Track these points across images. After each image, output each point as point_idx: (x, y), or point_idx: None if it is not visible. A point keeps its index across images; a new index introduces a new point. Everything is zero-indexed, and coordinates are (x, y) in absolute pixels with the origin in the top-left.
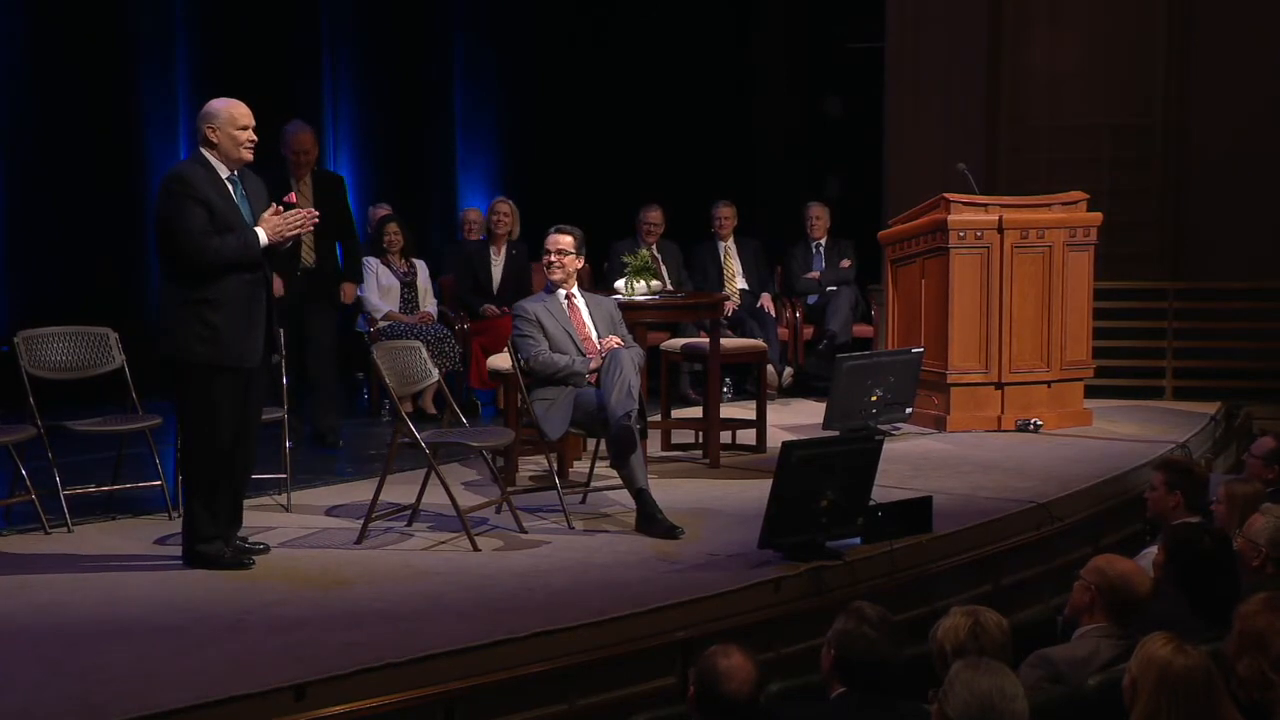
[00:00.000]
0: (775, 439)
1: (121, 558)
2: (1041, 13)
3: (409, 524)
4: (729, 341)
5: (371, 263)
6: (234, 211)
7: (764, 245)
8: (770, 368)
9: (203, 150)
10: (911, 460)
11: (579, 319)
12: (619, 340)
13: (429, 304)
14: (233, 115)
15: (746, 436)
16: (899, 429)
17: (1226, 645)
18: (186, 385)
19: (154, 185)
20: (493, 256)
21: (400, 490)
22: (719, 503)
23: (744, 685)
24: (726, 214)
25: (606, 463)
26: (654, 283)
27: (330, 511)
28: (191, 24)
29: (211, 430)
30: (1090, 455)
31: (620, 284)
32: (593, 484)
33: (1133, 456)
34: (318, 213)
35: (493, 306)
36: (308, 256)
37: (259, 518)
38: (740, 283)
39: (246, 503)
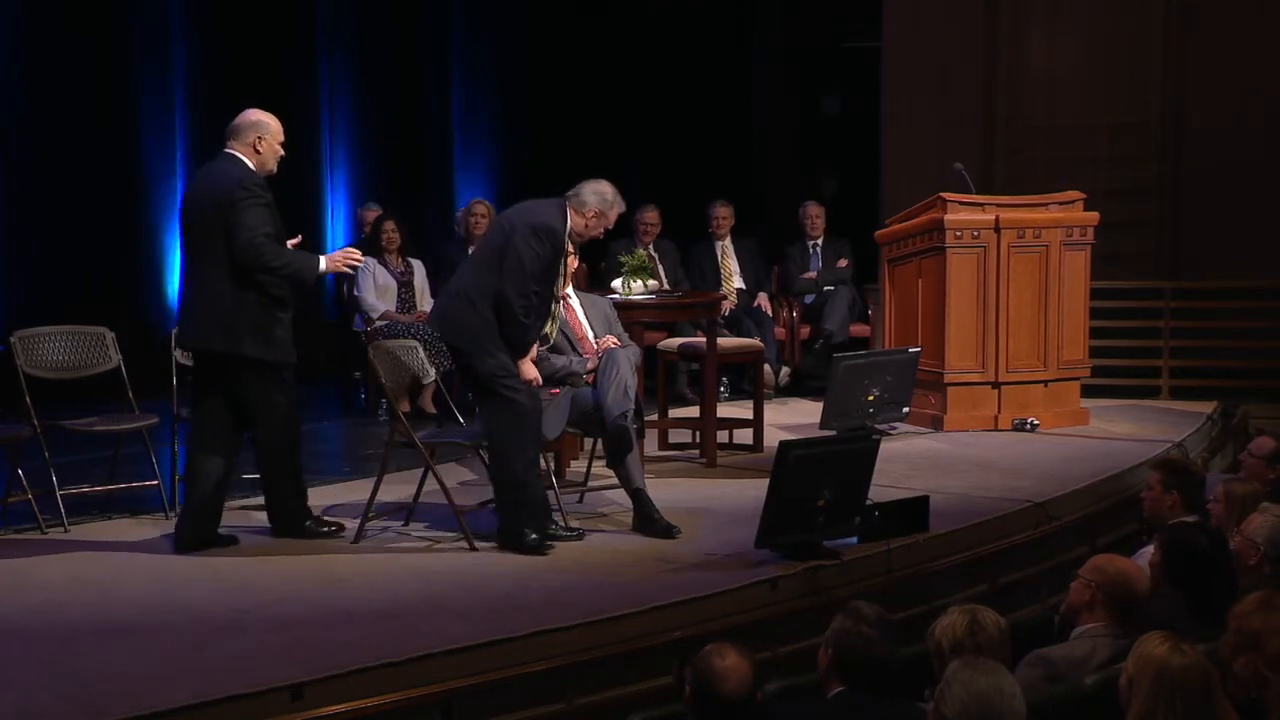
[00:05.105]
0: (772, 438)
1: (118, 558)
2: (1039, 12)
3: (406, 523)
4: (726, 341)
5: (369, 262)
6: None
7: (761, 245)
8: (767, 367)
9: (241, 156)
10: (908, 459)
11: (575, 319)
12: (616, 340)
13: (426, 303)
14: (279, 129)
15: (743, 436)
16: (896, 428)
17: (1222, 644)
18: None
19: (151, 184)
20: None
21: (397, 490)
22: (716, 502)
23: (740, 685)
24: (723, 213)
25: (603, 462)
26: (651, 282)
27: (327, 511)
28: (189, 23)
29: None
30: (1087, 454)
31: (617, 283)
32: (590, 484)
33: (1129, 456)
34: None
35: None
36: None
37: (256, 517)
38: (737, 282)
39: (244, 502)
